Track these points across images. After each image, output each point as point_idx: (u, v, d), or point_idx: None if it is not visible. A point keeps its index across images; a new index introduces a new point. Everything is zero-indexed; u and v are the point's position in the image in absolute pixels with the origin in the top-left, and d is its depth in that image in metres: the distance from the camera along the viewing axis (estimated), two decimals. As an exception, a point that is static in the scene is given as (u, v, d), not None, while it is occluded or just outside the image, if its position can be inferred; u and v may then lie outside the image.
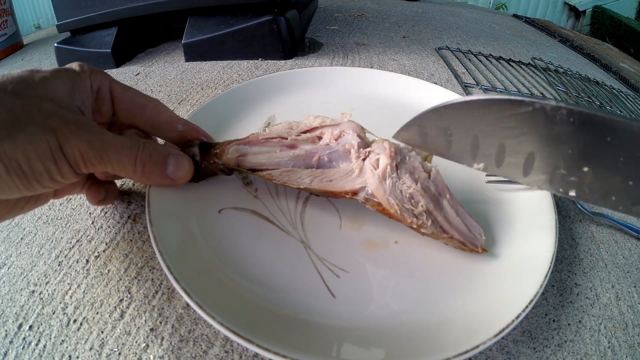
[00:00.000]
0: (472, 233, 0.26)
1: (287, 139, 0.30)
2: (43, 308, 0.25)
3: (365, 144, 0.29)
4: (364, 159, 0.28)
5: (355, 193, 0.27)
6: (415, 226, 0.26)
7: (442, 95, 0.43)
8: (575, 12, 1.58)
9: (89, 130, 0.24)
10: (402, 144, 0.28)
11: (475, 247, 0.26)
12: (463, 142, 0.26)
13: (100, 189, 0.30)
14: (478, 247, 0.26)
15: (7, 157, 0.21)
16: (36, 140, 0.21)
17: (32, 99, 0.22)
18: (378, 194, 0.26)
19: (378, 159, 0.27)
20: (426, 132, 0.27)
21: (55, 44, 0.58)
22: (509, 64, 0.63)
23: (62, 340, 0.23)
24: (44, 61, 0.65)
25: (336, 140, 0.29)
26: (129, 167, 0.26)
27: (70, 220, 0.31)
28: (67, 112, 0.23)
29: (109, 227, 0.30)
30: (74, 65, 0.27)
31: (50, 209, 0.32)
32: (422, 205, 0.26)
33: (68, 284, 0.26)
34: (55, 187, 0.24)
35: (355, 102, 0.43)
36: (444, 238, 0.26)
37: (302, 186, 0.28)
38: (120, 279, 0.27)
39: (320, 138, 0.30)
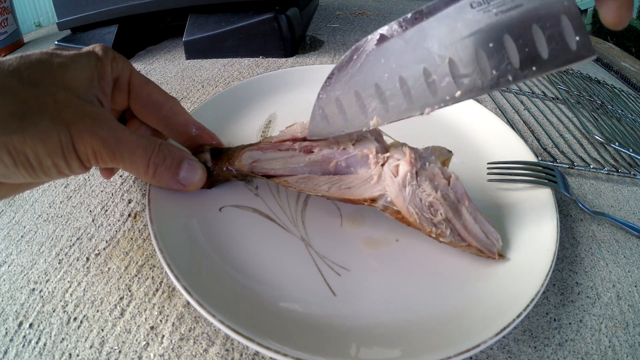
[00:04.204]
0: (489, 240, 0.26)
1: (301, 140, 0.29)
2: (43, 306, 0.25)
3: (383, 148, 0.29)
4: (382, 165, 0.27)
5: (374, 200, 0.26)
6: (434, 235, 0.25)
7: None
8: (577, 11, 1.58)
9: (105, 126, 0.23)
10: (420, 149, 0.28)
11: (492, 253, 0.26)
12: (351, 102, 0.26)
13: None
14: (495, 254, 0.26)
15: (15, 150, 0.20)
16: (47, 136, 0.21)
17: (48, 87, 0.22)
18: (397, 202, 0.26)
19: (398, 165, 0.27)
20: (326, 114, 0.27)
21: (56, 42, 0.58)
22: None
23: (63, 339, 0.23)
24: (45, 59, 0.65)
25: (353, 144, 0.29)
26: (141, 168, 0.25)
27: (71, 218, 0.31)
28: (83, 104, 0.23)
29: (110, 225, 0.30)
30: (97, 49, 0.26)
31: (50, 207, 0.32)
32: (441, 214, 0.25)
33: (68, 282, 0.26)
34: (62, 178, 0.23)
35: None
36: (462, 246, 0.26)
37: (319, 194, 0.27)
38: (121, 277, 0.27)
39: (337, 142, 0.29)
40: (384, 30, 0.23)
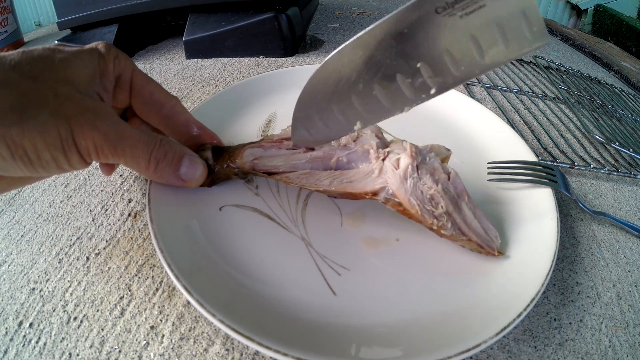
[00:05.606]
0: (489, 236, 0.26)
1: None
2: (43, 305, 0.25)
3: (383, 144, 0.29)
4: (383, 159, 0.28)
5: (375, 193, 0.27)
6: (435, 227, 0.25)
7: (446, 93, 0.43)
8: (577, 11, 1.58)
9: (106, 121, 0.23)
10: (420, 145, 0.28)
11: (491, 249, 0.26)
12: (330, 116, 0.26)
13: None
14: (494, 250, 0.26)
15: (13, 143, 0.20)
16: (46, 129, 0.20)
17: (49, 82, 0.22)
18: (399, 194, 0.26)
19: (399, 159, 0.27)
20: (308, 128, 0.27)
21: (56, 41, 0.58)
22: (511, 62, 0.63)
23: (63, 338, 0.23)
24: (45, 58, 0.65)
25: (354, 141, 0.29)
26: (142, 163, 0.25)
27: (71, 217, 0.31)
28: (84, 98, 0.22)
29: (110, 224, 0.30)
30: (100, 46, 0.26)
31: (50, 206, 0.32)
32: (442, 207, 0.25)
33: (68, 281, 0.26)
34: (62, 173, 0.23)
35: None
36: (463, 240, 0.26)
37: (320, 188, 0.28)
38: (121, 277, 0.27)
39: (338, 139, 0.29)
40: (353, 42, 0.24)
